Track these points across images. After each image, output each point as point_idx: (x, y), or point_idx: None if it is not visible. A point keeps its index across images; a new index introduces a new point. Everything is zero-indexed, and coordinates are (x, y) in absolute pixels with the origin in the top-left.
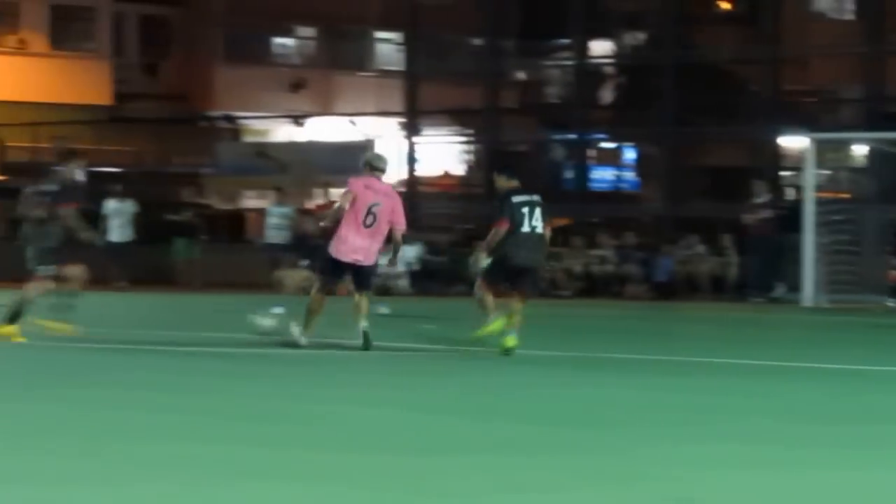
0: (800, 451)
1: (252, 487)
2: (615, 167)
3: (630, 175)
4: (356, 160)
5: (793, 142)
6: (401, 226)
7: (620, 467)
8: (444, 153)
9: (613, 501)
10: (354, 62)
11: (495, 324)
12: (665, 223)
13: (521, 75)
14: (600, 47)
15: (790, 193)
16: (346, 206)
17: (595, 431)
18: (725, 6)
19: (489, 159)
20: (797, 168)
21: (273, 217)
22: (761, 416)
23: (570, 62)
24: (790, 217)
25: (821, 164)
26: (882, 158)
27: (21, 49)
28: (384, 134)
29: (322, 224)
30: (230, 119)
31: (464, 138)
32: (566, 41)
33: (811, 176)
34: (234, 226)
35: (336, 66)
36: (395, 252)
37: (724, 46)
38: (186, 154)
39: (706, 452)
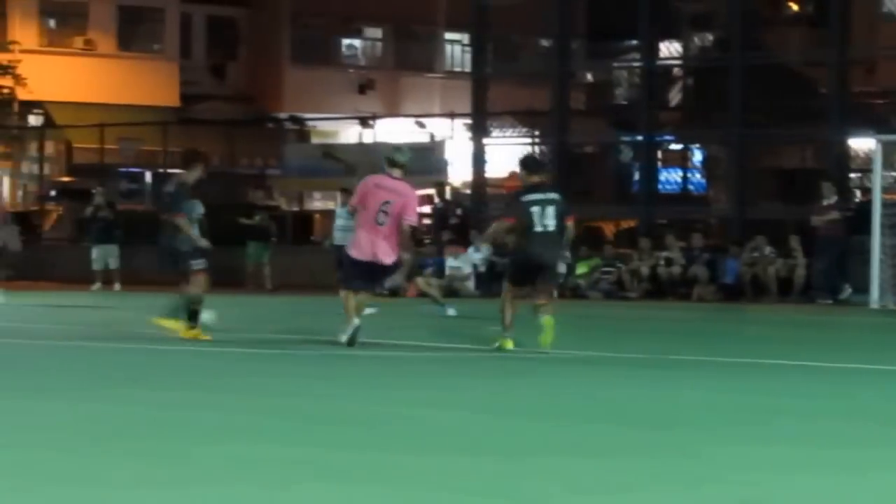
0: (868, 453)
1: (322, 489)
2: (682, 169)
3: (697, 177)
4: (423, 162)
5: (861, 143)
6: (409, 220)
7: (688, 469)
8: (511, 154)
9: (681, 503)
10: (422, 63)
11: (508, 342)
12: (732, 225)
13: (589, 76)
14: (668, 48)
15: (858, 195)
16: (356, 207)
17: (663, 433)
18: (794, 7)
19: (557, 161)
20: (865, 170)
21: (340, 219)
22: (829, 419)
23: (638, 63)
24: (858, 219)
25: (889, 165)
26: None
27: (89, 50)
28: (452, 135)
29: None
30: (297, 120)
31: (531, 140)
32: (634, 42)
33: (879, 177)
34: (301, 228)
35: (404, 67)
36: (405, 245)
37: (793, 48)
38: (253, 156)
39: (774, 454)
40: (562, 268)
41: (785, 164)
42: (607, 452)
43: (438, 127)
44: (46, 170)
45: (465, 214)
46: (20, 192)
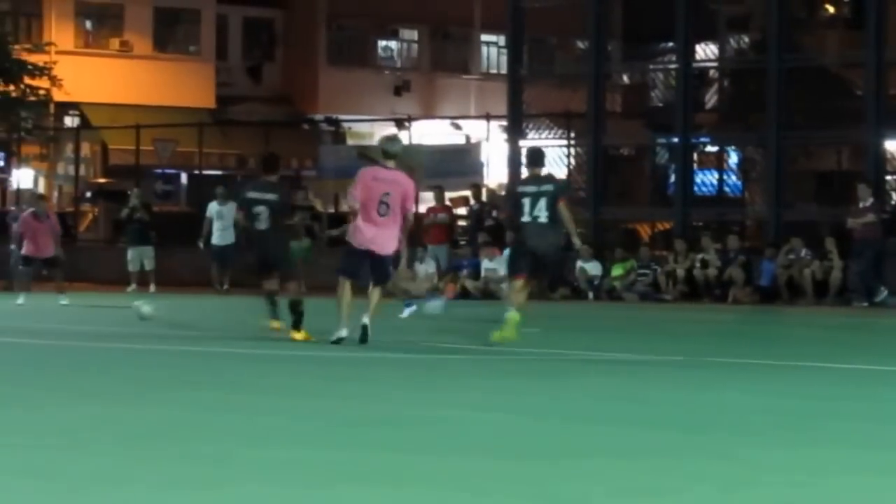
0: None
1: (355, 491)
2: (718, 171)
3: (733, 179)
4: (459, 164)
5: None
6: (410, 211)
7: (725, 471)
8: (547, 156)
9: None
10: (458, 65)
11: (510, 332)
12: (768, 227)
13: (625, 78)
14: (705, 50)
15: (894, 197)
16: (356, 206)
17: (700, 435)
18: (830, 9)
19: (593, 162)
20: None
21: (411, 221)
22: (866, 421)
23: (674, 65)
24: (894, 221)
25: None
26: None
27: (125, 52)
28: (488, 137)
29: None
30: (333, 122)
31: (567, 141)
32: (671, 44)
33: None
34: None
35: (440, 68)
36: (406, 236)
37: (829, 49)
38: (289, 157)
39: (811, 457)
40: (558, 258)
41: (821, 166)
42: (644, 454)
43: (474, 128)
44: (82, 171)
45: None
46: (56, 194)
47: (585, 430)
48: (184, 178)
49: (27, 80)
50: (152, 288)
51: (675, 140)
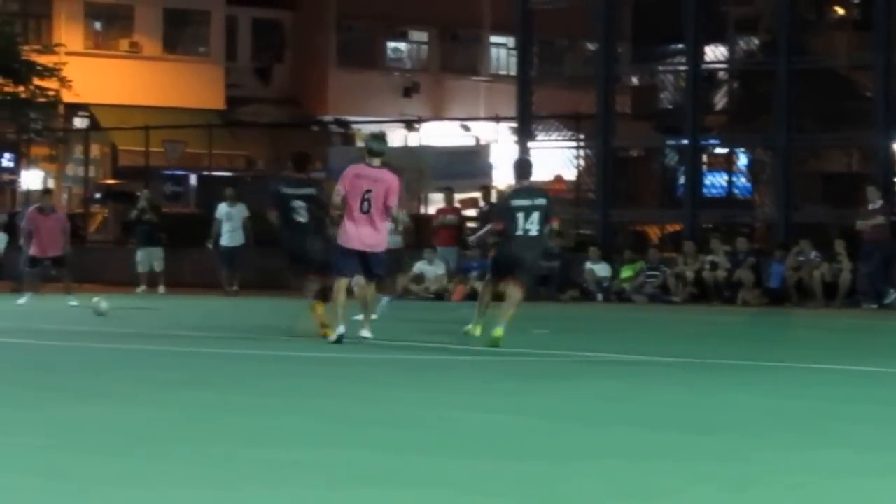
0: None
1: (367, 492)
2: (728, 172)
3: (742, 180)
4: (468, 165)
5: None
6: (393, 205)
7: (733, 472)
8: (556, 158)
9: None
10: (467, 66)
11: (478, 328)
12: (777, 229)
13: (634, 80)
14: (714, 52)
15: None
16: (339, 200)
17: (708, 436)
18: (840, 11)
19: (602, 164)
20: None
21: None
22: (875, 423)
23: (683, 67)
24: None
25: None
26: None
27: (134, 53)
28: (497, 138)
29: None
30: (342, 123)
31: (576, 143)
32: (680, 46)
33: None
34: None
35: (449, 70)
36: (396, 226)
37: (839, 51)
38: None
39: (819, 458)
40: (537, 267)
41: (830, 168)
42: (651, 455)
43: (483, 130)
44: (91, 172)
45: None
46: (65, 195)
47: (592, 431)
48: (193, 179)
49: (36, 82)
50: (161, 289)
51: (685, 142)
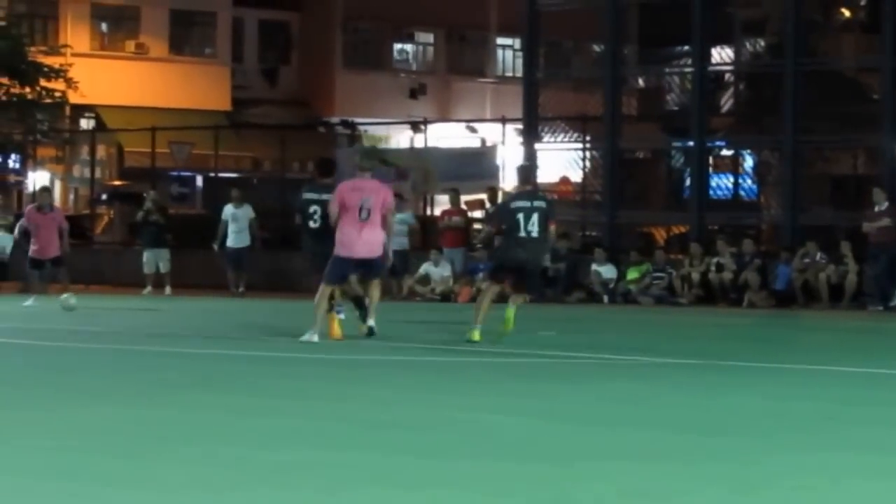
0: None
1: (376, 494)
2: (734, 174)
3: (749, 182)
4: (475, 167)
5: None
6: (388, 206)
7: (741, 475)
8: (562, 159)
9: None
10: (474, 68)
11: (476, 334)
12: (784, 231)
13: (640, 82)
14: (721, 54)
15: None
16: (335, 215)
17: (715, 438)
18: (847, 13)
19: (609, 166)
20: None
21: (393, 224)
22: (882, 425)
23: (690, 69)
24: None
25: None
26: None
27: (140, 54)
28: (503, 140)
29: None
30: (349, 125)
31: (583, 145)
32: (686, 48)
33: None
34: None
35: (455, 71)
36: (388, 234)
37: (846, 54)
38: (305, 160)
39: (827, 460)
40: (543, 265)
41: (837, 170)
42: (660, 457)
43: (490, 132)
44: (98, 173)
45: None
46: (72, 196)
47: (599, 432)
48: (199, 180)
49: (43, 83)
50: (168, 290)
51: (691, 144)
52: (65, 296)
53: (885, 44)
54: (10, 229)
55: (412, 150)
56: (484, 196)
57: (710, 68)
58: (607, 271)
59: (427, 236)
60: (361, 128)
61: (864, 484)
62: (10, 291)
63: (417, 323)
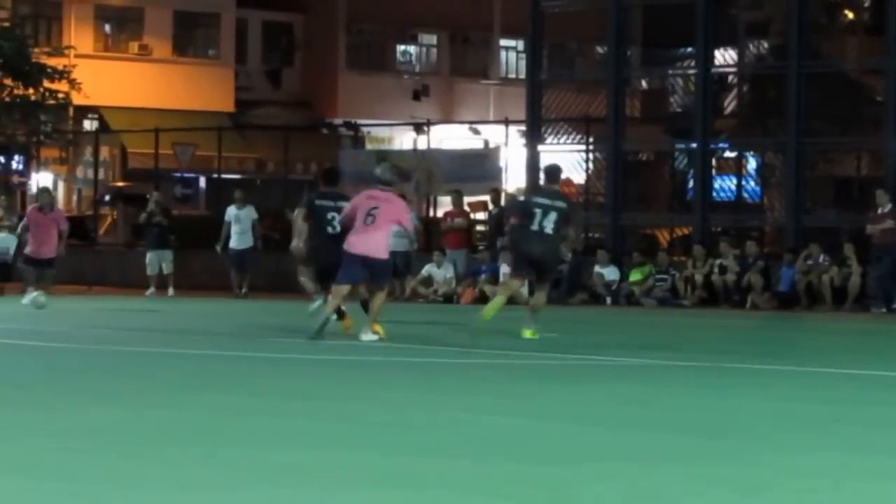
0: None
1: (377, 495)
2: (737, 176)
3: (752, 184)
4: (478, 168)
5: None
6: (405, 223)
7: (744, 476)
8: (566, 161)
9: None
10: (477, 69)
11: (528, 332)
12: (787, 233)
13: (644, 84)
14: (724, 56)
15: None
16: (346, 217)
17: (719, 440)
18: (850, 15)
19: (612, 168)
20: None
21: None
22: (885, 427)
23: (693, 71)
24: None
25: None
26: None
27: (144, 55)
28: (506, 142)
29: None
30: (352, 126)
31: (586, 147)
32: (690, 50)
33: None
34: None
35: (459, 73)
36: (410, 241)
37: (849, 55)
38: (308, 161)
39: (831, 462)
40: (560, 258)
41: (840, 172)
42: (663, 459)
43: (493, 133)
44: (101, 174)
45: None
46: (75, 197)
47: (603, 434)
48: (202, 181)
49: (46, 84)
50: (171, 291)
51: (694, 145)
52: (35, 294)
53: (888, 45)
54: (14, 230)
55: (415, 151)
56: (487, 198)
57: (714, 70)
58: (610, 273)
59: (430, 238)
60: (364, 129)
61: (868, 486)
62: (14, 292)
63: (420, 324)
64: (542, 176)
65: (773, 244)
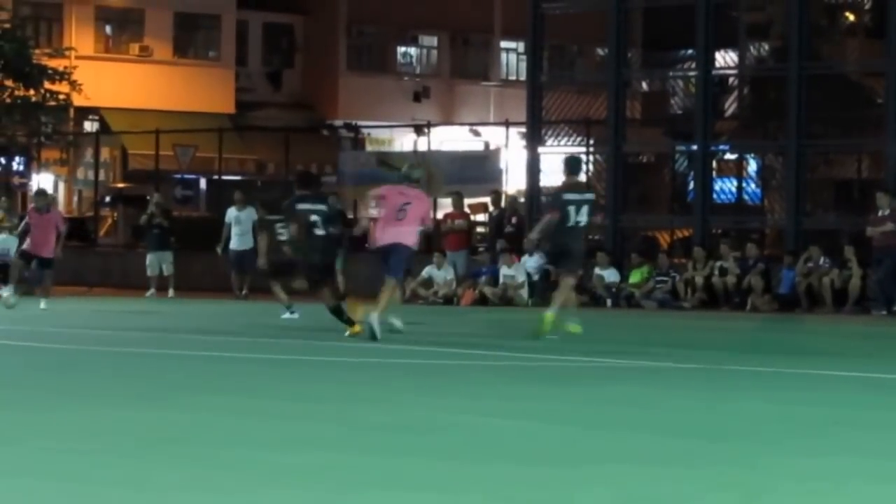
0: None
1: (379, 497)
2: (738, 178)
3: (753, 186)
4: (479, 170)
5: None
6: (427, 223)
7: (745, 479)
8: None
9: None
10: (478, 71)
11: (574, 325)
12: (787, 235)
13: (645, 86)
14: (725, 58)
15: None
16: (381, 211)
17: (719, 443)
18: (851, 17)
19: (612, 170)
20: None
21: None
22: (886, 429)
23: (694, 73)
24: None
25: None
26: None
27: (145, 57)
28: (507, 143)
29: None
30: (352, 128)
31: (586, 148)
32: (690, 52)
33: None
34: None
35: (459, 75)
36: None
37: (850, 58)
38: (309, 162)
39: (831, 465)
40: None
41: (841, 175)
42: (663, 462)
43: (493, 135)
44: (102, 176)
45: (521, 223)
46: (76, 198)
47: (602, 436)
48: (203, 183)
49: (47, 85)
50: (171, 293)
51: (695, 147)
52: (6, 294)
53: (889, 48)
54: (15, 231)
55: (416, 153)
56: (487, 199)
57: (715, 72)
58: (610, 275)
59: (430, 239)
60: (365, 131)
61: (868, 488)
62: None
63: (420, 326)
64: (563, 168)
65: (773, 246)
